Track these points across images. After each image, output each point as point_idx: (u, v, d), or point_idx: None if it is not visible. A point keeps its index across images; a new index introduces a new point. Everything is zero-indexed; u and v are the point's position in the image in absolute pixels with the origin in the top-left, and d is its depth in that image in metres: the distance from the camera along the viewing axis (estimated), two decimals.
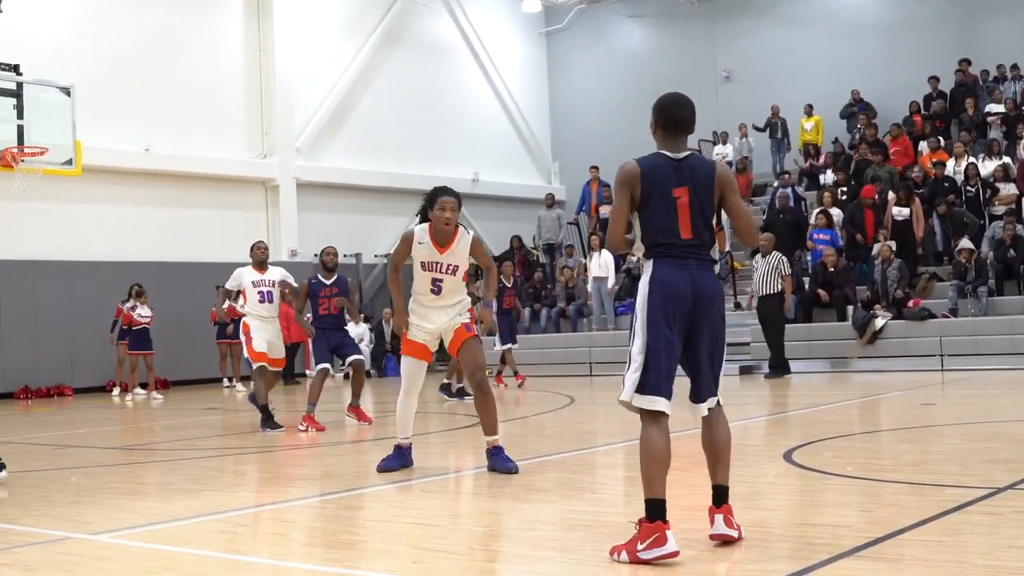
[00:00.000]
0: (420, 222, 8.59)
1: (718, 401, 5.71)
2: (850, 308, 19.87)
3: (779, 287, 18.24)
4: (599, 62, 33.83)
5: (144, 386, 21.43)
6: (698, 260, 5.55)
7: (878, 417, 12.51)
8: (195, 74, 25.99)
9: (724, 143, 28.75)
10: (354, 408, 13.17)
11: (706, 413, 5.67)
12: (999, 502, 6.39)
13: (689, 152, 5.78)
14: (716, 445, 5.70)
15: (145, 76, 24.98)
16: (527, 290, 24.79)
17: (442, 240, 8.29)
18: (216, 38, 26.62)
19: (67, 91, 18.49)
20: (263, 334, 12.82)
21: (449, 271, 8.38)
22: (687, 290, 5.43)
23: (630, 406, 5.54)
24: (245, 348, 12.82)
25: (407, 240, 8.39)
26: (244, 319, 13.05)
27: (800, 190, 24.05)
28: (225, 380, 23.07)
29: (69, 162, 18.51)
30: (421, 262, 8.34)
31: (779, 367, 18.30)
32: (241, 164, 26.72)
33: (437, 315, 8.38)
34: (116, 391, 22.05)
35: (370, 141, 29.56)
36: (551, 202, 27.81)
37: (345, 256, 28.56)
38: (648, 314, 5.38)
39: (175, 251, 25.12)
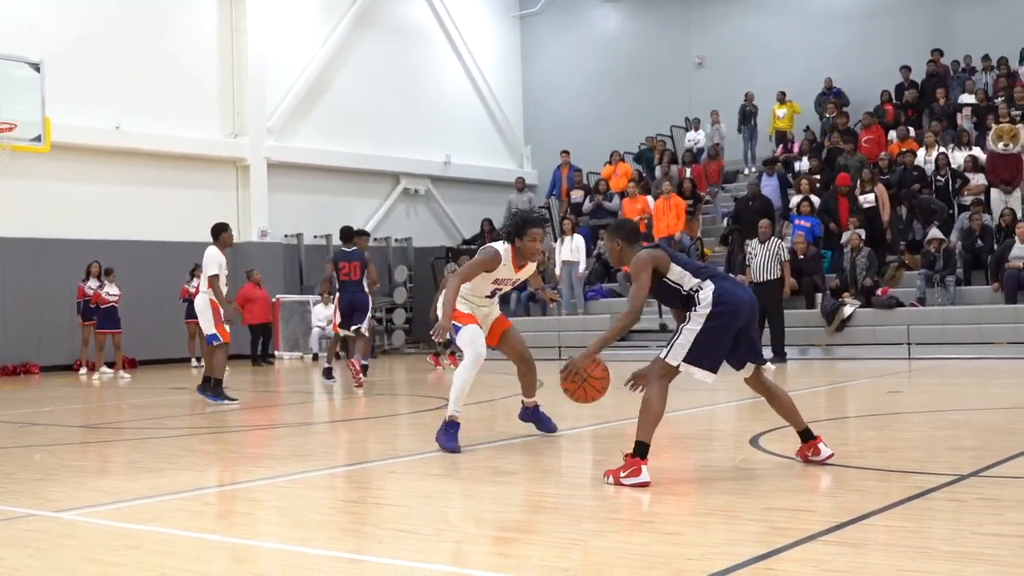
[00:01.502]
0: (498, 239, 9.05)
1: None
2: (819, 296, 19.96)
3: (778, 273, 18.29)
4: (573, 47, 33.81)
5: (111, 365, 21.33)
6: None
7: (845, 404, 12.57)
8: (167, 52, 25.82)
9: (696, 129, 28.82)
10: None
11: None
12: (963, 488, 6.44)
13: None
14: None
15: (117, 53, 24.81)
16: None
17: (521, 263, 8.85)
18: (189, 16, 26.44)
19: (36, 67, 18.36)
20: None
21: (514, 284, 9.15)
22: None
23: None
24: (213, 325, 13.43)
25: (493, 260, 8.70)
26: (210, 297, 13.55)
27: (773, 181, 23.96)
28: (193, 360, 22.99)
29: (38, 139, 18.38)
30: (495, 277, 8.83)
31: (780, 354, 18.32)
32: (212, 143, 26.58)
33: (481, 311, 9.05)
34: (83, 370, 21.93)
35: (342, 122, 29.45)
36: (522, 186, 27.78)
37: (315, 238, 28.59)
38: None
39: (144, 230, 24.99)
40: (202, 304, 13.71)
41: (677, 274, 7.13)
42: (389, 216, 30.67)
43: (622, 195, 25.23)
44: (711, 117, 28.62)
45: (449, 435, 8.63)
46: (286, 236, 28.02)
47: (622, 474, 6.71)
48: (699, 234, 23.91)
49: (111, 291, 21.09)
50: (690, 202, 24.03)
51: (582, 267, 22.94)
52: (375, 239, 30.00)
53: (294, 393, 16.80)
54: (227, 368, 20.00)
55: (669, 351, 7.17)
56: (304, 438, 10.39)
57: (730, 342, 7.05)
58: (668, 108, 30.69)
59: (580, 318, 22.60)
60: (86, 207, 24.23)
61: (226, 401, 13.43)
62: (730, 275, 8.22)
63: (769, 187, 23.18)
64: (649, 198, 24.34)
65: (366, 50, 30.23)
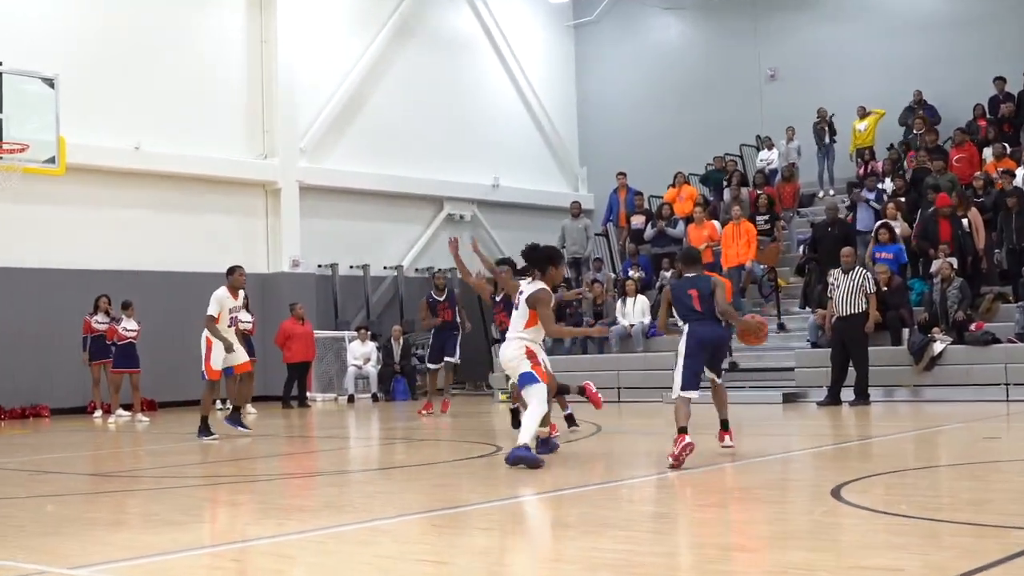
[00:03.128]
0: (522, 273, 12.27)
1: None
2: (905, 331, 19.76)
3: (863, 306, 18.12)
4: (632, 58, 33.81)
5: (128, 407, 21.43)
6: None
7: (936, 451, 12.42)
8: (191, 67, 26.09)
9: (769, 148, 28.68)
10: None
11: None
12: None
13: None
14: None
15: (136, 68, 25.09)
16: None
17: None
18: (214, 28, 26.73)
19: (50, 83, 18.56)
20: (220, 352, 15.25)
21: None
22: None
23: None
24: (203, 363, 15.22)
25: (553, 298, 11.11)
26: (205, 335, 15.25)
27: (871, 199, 23.55)
28: (218, 402, 23.02)
29: (52, 160, 18.55)
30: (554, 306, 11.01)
31: (863, 395, 18.12)
32: (239, 165, 26.79)
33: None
34: (98, 413, 22.07)
35: (380, 142, 29.60)
36: (577, 211, 27.77)
37: (351, 268, 28.70)
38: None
39: (165, 259, 25.18)
40: (201, 342, 15.34)
41: None
42: (432, 245, 30.73)
43: (687, 221, 25.15)
44: (785, 134, 28.49)
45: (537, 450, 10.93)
46: (319, 266, 28.15)
47: (674, 449, 10.23)
48: (776, 261, 23.71)
49: (129, 326, 21.20)
50: (764, 220, 23.89)
51: (645, 322, 22.86)
52: (416, 269, 30.09)
53: (328, 438, 16.83)
54: (253, 410, 20.19)
55: None
56: (339, 488, 10.38)
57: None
58: (737, 125, 30.60)
59: (641, 356, 22.50)
60: (103, 235, 24.44)
61: (207, 438, 15.05)
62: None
63: (864, 208, 23.04)
64: (717, 224, 24.25)
65: (406, 63, 30.40)
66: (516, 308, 11.28)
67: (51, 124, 18.45)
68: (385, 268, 29.47)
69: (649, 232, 25.86)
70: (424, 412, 19.51)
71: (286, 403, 23.85)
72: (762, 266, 23.45)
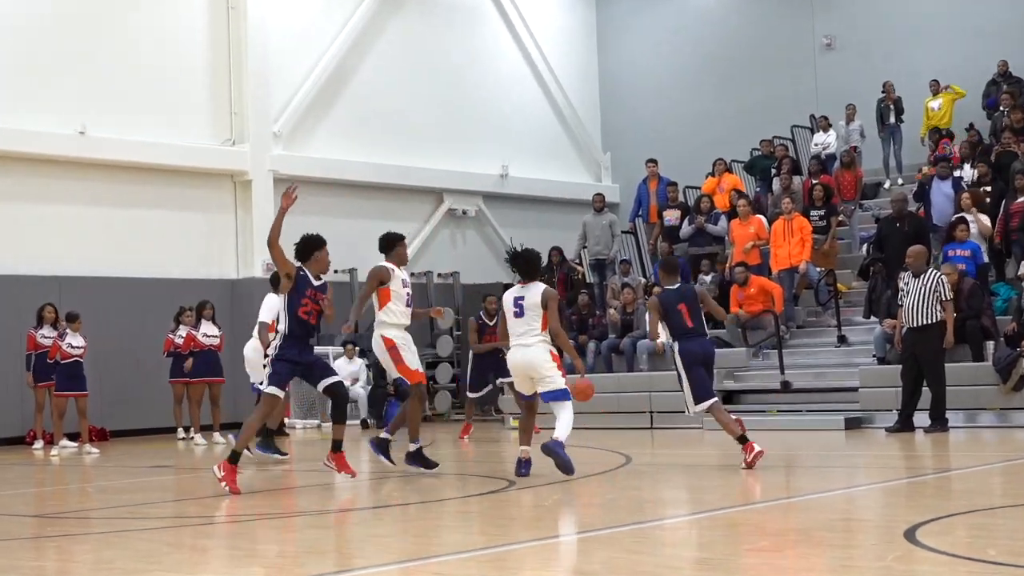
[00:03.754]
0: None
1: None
2: (990, 344, 19.66)
3: (939, 315, 17.99)
4: (663, 27, 33.80)
5: (75, 437, 21.40)
6: None
7: None
8: (145, 37, 26.08)
9: (825, 130, 28.60)
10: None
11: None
12: None
13: None
14: None
15: (80, 39, 25.08)
16: (569, 318, 24.68)
17: None
18: None
19: None
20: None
21: None
22: None
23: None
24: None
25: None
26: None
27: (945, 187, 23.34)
28: (180, 430, 23.01)
29: None
30: None
31: (940, 420, 17.99)
32: (203, 153, 26.79)
33: None
34: (38, 443, 22.04)
35: (368, 126, 29.59)
36: (600, 205, 27.68)
37: (337, 273, 28.61)
38: None
39: (117, 263, 25.13)
40: (250, 352, 16.00)
41: None
42: (430, 245, 30.71)
43: (729, 215, 25.09)
44: (844, 113, 28.39)
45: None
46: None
47: (747, 456, 12.97)
48: (835, 263, 23.65)
49: (75, 342, 21.13)
50: (820, 215, 23.80)
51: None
52: (412, 274, 29.95)
53: (309, 472, 16.78)
54: (221, 439, 20.24)
55: None
56: (323, 531, 10.34)
57: None
58: (788, 103, 30.56)
59: (675, 375, 22.38)
60: (41, 235, 24.35)
61: (277, 455, 16.57)
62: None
63: (941, 195, 22.83)
64: (764, 219, 24.19)
65: (398, 34, 30.40)
66: (518, 314, 13.07)
67: None
68: None
69: (685, 229, 25.78)
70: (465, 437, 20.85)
71: (259, 431, 23.77)
72: (818, 269, 23.38)
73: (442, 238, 31.18)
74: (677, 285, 14.22)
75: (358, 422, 25.66)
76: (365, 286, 14.13)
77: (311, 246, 13.59)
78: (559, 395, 13.02)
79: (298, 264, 13.25)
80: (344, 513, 11.65)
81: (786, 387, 20.88)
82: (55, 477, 17.05)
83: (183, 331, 22.19)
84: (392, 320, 13.89)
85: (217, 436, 21.86)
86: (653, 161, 27.69)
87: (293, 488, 14.75)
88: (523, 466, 13.16)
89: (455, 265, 30.99)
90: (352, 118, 29.46)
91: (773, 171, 27.09)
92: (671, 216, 26.52)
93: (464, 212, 31.44)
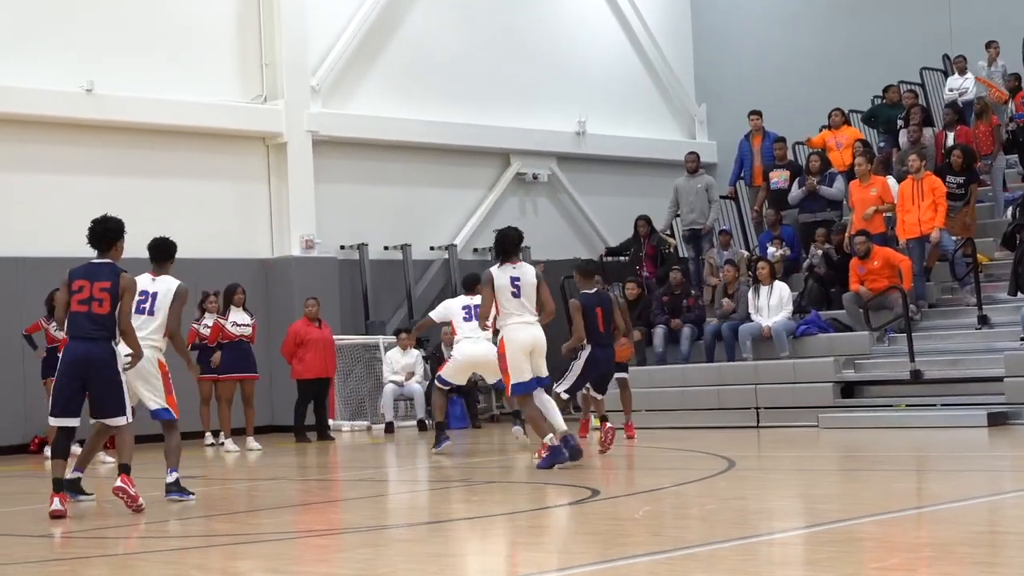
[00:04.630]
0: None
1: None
2: None
3: None
4: None
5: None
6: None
7: None
8: None
9: (962, 73, 28.34)
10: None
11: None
12: None
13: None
14: None
15: None
16: (659, 298, 24.63)
17: None
18: None
19: None
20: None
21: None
22: None
23: None
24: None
25: None
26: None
27: None
28: (208, 435, 23.15)
29: None
30: None
31: None
32: (230, 111, 26.91)
33: None
34: (47, 451, 22.29)
35: (421, 78, 29.61)
36: (695, 165, 27.58)
37: (387, 249, 28.71)
38: None
39: (130, 242, 24.97)
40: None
41: None
42: (495, 214, 30.70)
43: (848, 176, 24.93)
44: (986, 53, 28.14)
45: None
46: (342, 248, 28.21)
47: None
48: (974, 230, 23.44)
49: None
50: (958, 184, 23.60)
51: (782, 316, 22.76)
52: (475, 250, 30.12)
53: (359, 482, 16.88)
54: (256, 445, 20.39)
55: None
56: (375, 549, 10.37)
57: None
58: (915, 42, 30.33)
59: (786, 364, 22.33)
60: (45, 209, 24.48)
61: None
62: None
63: None
64: (890, 180, 24.02)
65: None
66: (517, 294, 15.30)
67: None
68: (432, 248, 29.49)
69: (795, 193, 25.67)
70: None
71: (300, 435, 23.90)
72: (954, 237, 23.19)
73: (509, 207, 31.16)
74: (595, 290, 17.33)
75: (415, 422, 25.68)
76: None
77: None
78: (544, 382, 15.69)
79: None
80: (399, 529, 11.67)
81: (916, 377, 20.73)
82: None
83: (209, 320, 22.23)
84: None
85: (251, 441, 21.95)
86: (757, 113, 27.55)
87: (338, 501, 14.81)
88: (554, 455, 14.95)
89: (525, 239, 30.75)
90: (402, 69, 29.46)
91: (899, 122, 26.89)
92: (778, 177, 26.40)
93: (535, 176, 31.41)
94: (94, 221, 13.73)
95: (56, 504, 12.58)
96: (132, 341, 13.11)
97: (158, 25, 25.96)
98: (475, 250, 30.08)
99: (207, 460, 21.07)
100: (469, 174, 30.41)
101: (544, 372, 15.40)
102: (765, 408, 21.86)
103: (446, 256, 29.57)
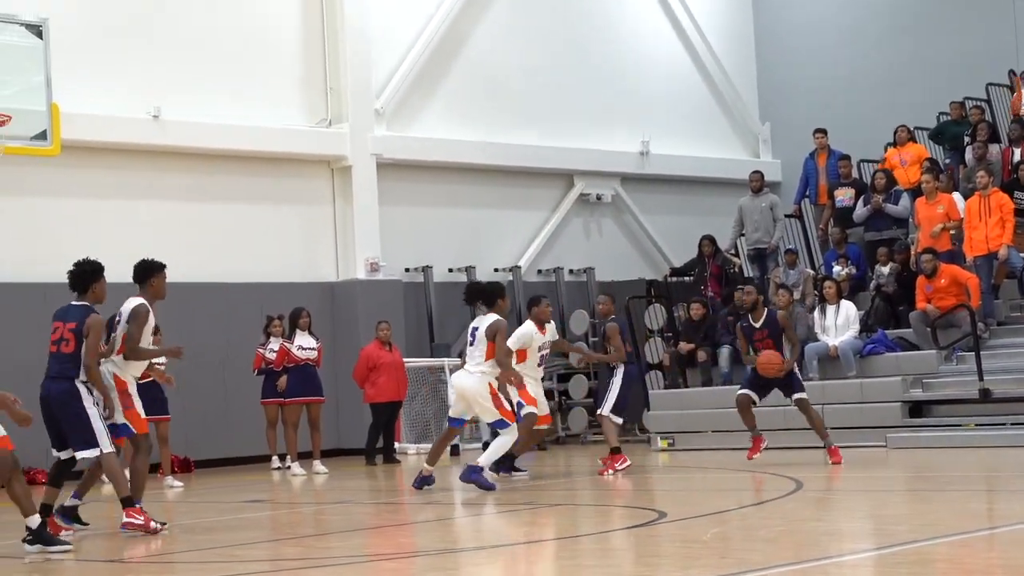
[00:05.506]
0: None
1: None
2: None
3: None
4: None
5: (155, 468, 21.65)
6: None
7: None
8: (225, 5, 26.31)
9: None
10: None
11: None
12: None
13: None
14: None
15: (152, 8, 25.35)
16: (724, 318, 24.53)
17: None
18: None
19: (37, 31, 18.77)
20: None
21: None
22: None
23: None
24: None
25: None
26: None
27: None
28: (275, 459, 23.19)
29: (42, 135, 18.78)
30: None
31: None
32: (295, 136, 26.98)
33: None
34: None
35: (484, 101, 29.62)
36: (759, 184, 27.47)
37: (451, 272, 28.74)
38: None
39: (197, 267, 25.27)
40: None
41: None
42: (559, 236, 30.70)
43: (914, 193, 24.78)
44: None
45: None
46: (407, 270, 28.23)
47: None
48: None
49: (157, 361, 21.42)
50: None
51: (848, 335, 22.65)
52: (539, 271, 30.11)
53: (426, 505, 16.86)
54: (323, 468, 20.40)
55: None
56: (446, 573, 10.36)
57: None
58: (982, 57, 30.10)
59: (854, 384, 22.19)
60: (111, 234, 24.52)
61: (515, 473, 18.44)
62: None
63: None
64: (957, 196, 23.86)
65: None
66: (472, 342, 16.70)
67: (39, 88, 18.62)
68: (497, 270, 29.43)
69: (860, 211, 25.54)
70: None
71: (370, 458, 23.92)
72: (1022, 254, 23.02)
73: (573, 228, 31.12)
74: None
75: (480, 445, 25.63)
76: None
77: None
78: (496, 425, 16.90)
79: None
80: (467, 553, 11.65)
81: (985, 396, 20.55)
82: None
83: (275, 344, 22.28)
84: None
85: (318, 465, 21.96)
86: (822, 132, 27.43)
87: (407, 524, 14.81)
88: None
89: (589, 259, 30.93)
90: (465, 92, 29.48)
91: (966, 139, 26.75)
92: (843, 196, 26.28)
93: (599, 197, 31.37)
94: (74, 264, 14.12)
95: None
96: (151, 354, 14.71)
97: (224, 52, 26.05)
98: (539, 271, 30.07)
99: (274, 484, 21.11)
100: (533, 195, 30.40)
101: (485, 417, 17.03)
102: (832, 428, 21.70)
103: (511, 278, 29.52)
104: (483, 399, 16.52)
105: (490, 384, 16.57)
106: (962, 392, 21.08)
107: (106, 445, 13.12)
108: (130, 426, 13.73)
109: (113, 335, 14.09)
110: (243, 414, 24.12)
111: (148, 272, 14.51)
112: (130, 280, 23.17)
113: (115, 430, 13.49)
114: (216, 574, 10.84)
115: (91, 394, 13.19)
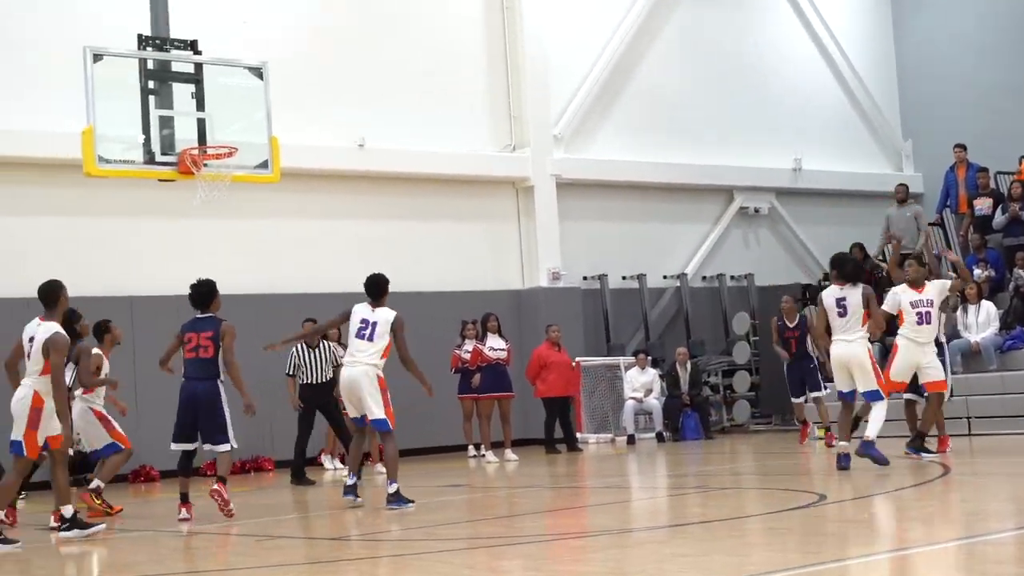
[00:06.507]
0: None
1: None
2: None
3: None
4: None
5: (366, 456, 21.89)
6: None
7: None
8: (420, 45, 26.55)
9: None
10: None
11: None
12: None
13: None
14: None
15: (355, 50, 25.71)
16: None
17: None
18: None
19: (258, 72, 19.08)
20: None
21: None
22: None
23: None
24: None
25: None
26: None
27: None
28: (471, 448, 23.40)
29: (264, 165, 19.04)
30: None
31: None
32: (483, 160, 27.20)
33: None
34: (328, 461, 22.73)
35: (652, 124, 29.56)
36: (903, 196, 27.16)
37: (624, 279, 28.78)
38: None
39: (398, 277, 25.36)
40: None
41: None
42: (721, 246, 30.57)
43: None
44: None
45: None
46: (585, 279, 28.29)
47: None
48: None
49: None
50: None
51: (989, 332, 22.34)
52: (703, 278, 30.00)
53: (605, 489, 16.89)
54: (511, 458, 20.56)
55: None
56: (624, 550, 10.40)
57: None
58: None
59: (995, 376, 21.88)
60: (321, 251, 24.99)
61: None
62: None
63: None
64: None
65: (680, 25, 30.30)
66: (367, 337, 15.33)
67: (260, 123, 18.91)
68: (665, 278, 29.42)
69: (999, 219, 25.17)
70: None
71: (550, 447, 24.05)
72: None
73: (734, 238, 30.97)
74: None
75: (653, 435, 25.65)
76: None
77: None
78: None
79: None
80: (644, 532, 11.67)
81: None
82: (339, 498, 17.38)
83: (469, 345, 22.57)
84: None
85: (509, 453, 22.17)
86: (961, 146, 27.04)
87: (588, 506, 14.85)
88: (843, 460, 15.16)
89: (748, 267, 30.75)
90: (634, 117, 29.47)
91: None
92: (982, 205, 25.93)
93: (756, 210, 31.18)
94: (191, 286, 14.75)
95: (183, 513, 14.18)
96: (239, 381, 14.69)
97: (419, 87, 26.30)
98: (703, 278, 29.96)
99: (470, 470, 21.30)
100: (697, 209, 30.32)
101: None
102: (976, 417, 21.45)
103: (677, 284, 29.50)
104: (864, 360, 15.25)
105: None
106: None
107: (234, 441, 14.31)
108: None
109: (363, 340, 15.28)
110: (441, 407, 24.25)
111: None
112: (338, 291, 23.74)
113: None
114: (419, 550, 10.97)
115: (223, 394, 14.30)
